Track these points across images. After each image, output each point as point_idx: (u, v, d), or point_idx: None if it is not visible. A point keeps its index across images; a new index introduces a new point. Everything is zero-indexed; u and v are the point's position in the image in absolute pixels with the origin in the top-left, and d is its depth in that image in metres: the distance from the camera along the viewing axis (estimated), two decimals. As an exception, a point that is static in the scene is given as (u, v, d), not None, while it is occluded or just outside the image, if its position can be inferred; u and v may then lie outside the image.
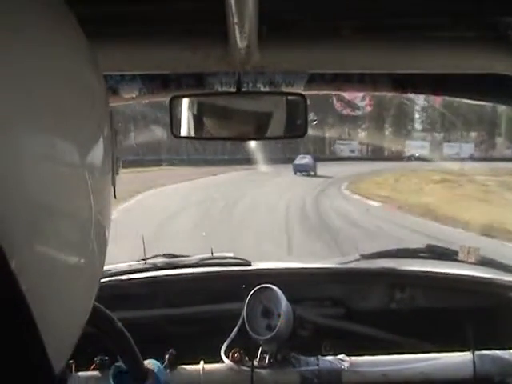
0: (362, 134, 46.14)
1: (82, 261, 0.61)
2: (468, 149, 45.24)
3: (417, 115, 48.36)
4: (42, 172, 0.51)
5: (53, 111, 0.54)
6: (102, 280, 1.96)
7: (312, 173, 34.16)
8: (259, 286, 1.85)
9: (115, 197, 0.78)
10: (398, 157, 35.91)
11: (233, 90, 1.41)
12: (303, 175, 32.87)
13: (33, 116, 0.50)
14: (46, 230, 0.51)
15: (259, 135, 1.57)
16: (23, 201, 0.48)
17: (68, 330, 0.60)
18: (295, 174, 33.30)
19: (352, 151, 44.52)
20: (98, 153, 0.64)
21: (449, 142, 47.14)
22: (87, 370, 1.64)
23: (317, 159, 36.00)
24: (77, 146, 0.58)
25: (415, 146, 40.82)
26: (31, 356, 0.46)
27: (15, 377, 0.44)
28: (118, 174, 0.75)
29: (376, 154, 40.02)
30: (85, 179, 0.59)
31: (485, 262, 2.19)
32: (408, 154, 37.82)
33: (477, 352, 1.81)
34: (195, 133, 1.50)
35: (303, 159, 35.43)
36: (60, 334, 0.56)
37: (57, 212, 0.54)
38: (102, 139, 0.65)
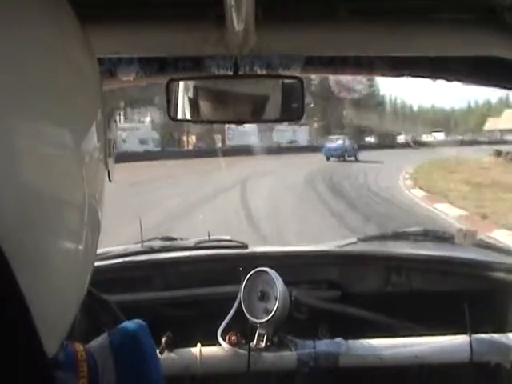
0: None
1: (75, 245, 0.61)
2: (303, 134, 39.63)
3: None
4: (33, 156, 0.50)
5: (43, 94, 0.54)
6: (99, 263, 1.97)
7: (351, 158, 30.73)
8: (256, 270, 1.85)
9: (110, 180, 0.77)
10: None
11: (230, 73, 1.41)
12: (340, 161, 29.29)
13: (23, 99, 0.50)
14: (37, 214, 0.51)
15: (256, 118, 1.56)
16: (13, 185, 0.48)
17: (61, 314, 0.60)
18: (327, 159, 30.12)
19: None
20: (90, 136, 0.64)
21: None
22: None
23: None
24: (69, 129, 0.58)
25: (239, 134, 35.40)
26: (22, 339, 0.45)
27: (5, 360, 0.44)
28: (110, 156, 0.74)
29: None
30: (77, 163, 0.59)
31: (481, 245, 2.19)
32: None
33: (473, 335, 1.82)
34: (192, 116, 1.50)
35: (336, 141, 31.72)
36: (53, 319, 0.56)
37: (48, 196, 0.53)
38: (94, 122, 0.65)
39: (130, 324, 0.94)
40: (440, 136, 53.12)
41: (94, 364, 0.86)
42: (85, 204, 0.62)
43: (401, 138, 46.91)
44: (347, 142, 31.89)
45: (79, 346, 0.84)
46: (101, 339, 0.92)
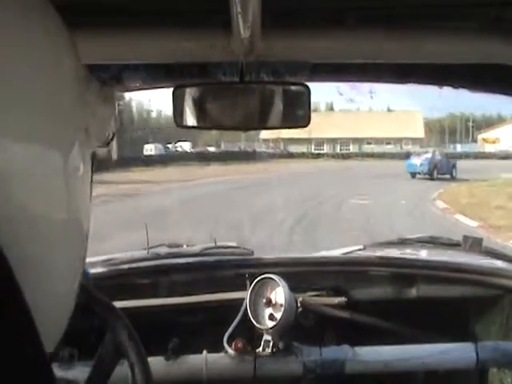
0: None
1: (63, 252, 0.64)
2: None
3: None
4: (16, 170, 0.51)
5: (25, 109, 0.54)
6: (106, 269, 1.97)
7: (445, 175, 26.32)
8: (262, 276, 1.85)
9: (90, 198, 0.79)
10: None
11: (236, 79, 1.41)
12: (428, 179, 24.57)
13: (3, 115, 0.50)
14: (21, 226, 0.53)
15: (262, 125, 1.56)
16: None
17: (55, 317, 0.63)
18: (413, 177, 26.08)
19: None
20: (74, 149, 0.65)
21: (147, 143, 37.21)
22: (91, 359, 1.64)
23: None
24: (52, 142, 0.59)
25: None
26: (21, 335, 0.46)
27: (6, 357, 0.44)
28: (93, 171, 0.75)
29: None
30: (61, 175, 0.60)
31: (487, 252, 2.19)
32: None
33: (479, 342, 1.81)
34: (198, 122, 1.50)
35: (422, 154, 27.57)
36: (48, 320, 0.57)
37: (32, 211, 0.55)
38: (79, 136, 0.66)
39: None
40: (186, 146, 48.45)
41: None
42: (70, 216, 0.64)
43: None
44: (438, 156, 27.69)
45: None
46: None
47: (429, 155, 27.20)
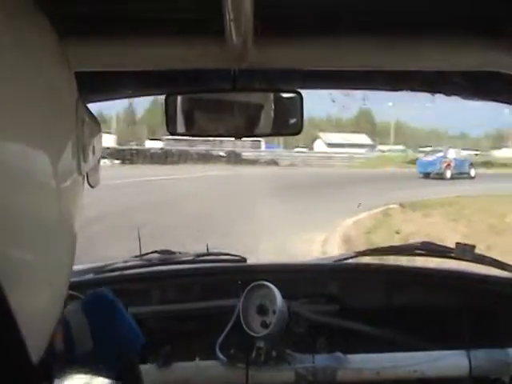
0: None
1: (50, 257, 0.63)
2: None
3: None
4: (7, 176, 0.51)
5: (17, 115, 0.54)
6: (98, 276, 1.96)
7: (464, 175, 24.41)
8: (254, 283, 1.84)
9: (91, 185, 0.79)
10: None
11: (228, 86, 1.41)
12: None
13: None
14: (11, 230, 0.52)
15: (255, 132, 1.57)
16: None
17: (43, 321, 0.63)
18: (425, 178, 24.21)
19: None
20: (66, 153, 0.65)
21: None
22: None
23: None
24: (40, 144, 0.59)
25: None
26: (7, 347, 0.45)
27: None
28: (86, 161, 0.74)
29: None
30: (52, 180, 0.60)
31: (480, 260, 2.19)
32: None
33: (472, 350, 1.81)
34: (191, 129, 1.50)
35: (435, 153, 25.58)
36: (35, 327, 0.57)
37: (22, 212, 0.54)
38: (68, 135, 0.66)
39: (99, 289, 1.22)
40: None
41: (66, 322, 1.05)
42: (60, 216, 0.64)
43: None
44: (452, 154, 25.78)
45: None
46: (74, 303, 1.12)
47: (440, 154, 25.50)
